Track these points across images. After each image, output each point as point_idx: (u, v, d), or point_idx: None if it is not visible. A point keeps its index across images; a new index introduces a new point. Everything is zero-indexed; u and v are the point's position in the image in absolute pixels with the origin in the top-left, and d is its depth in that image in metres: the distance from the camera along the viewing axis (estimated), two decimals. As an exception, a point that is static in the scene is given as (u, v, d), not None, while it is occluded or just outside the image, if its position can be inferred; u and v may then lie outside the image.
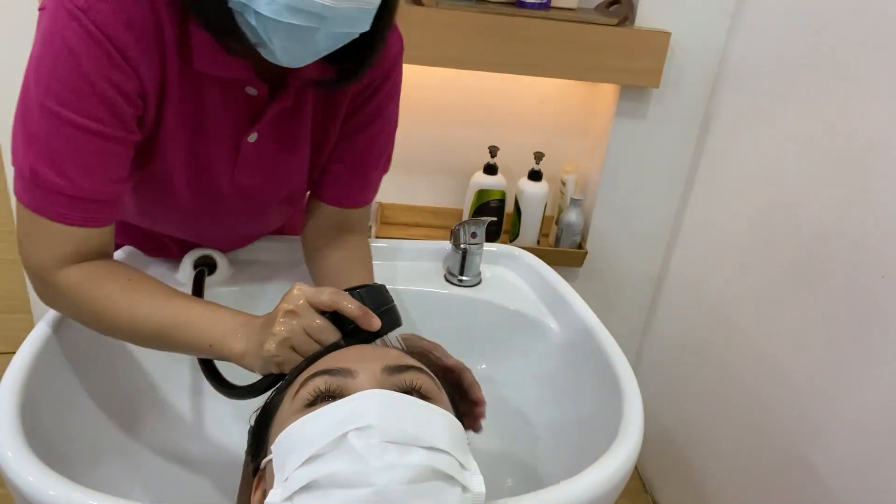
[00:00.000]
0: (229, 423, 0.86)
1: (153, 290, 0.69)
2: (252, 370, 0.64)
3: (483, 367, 0.91)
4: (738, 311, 1.31)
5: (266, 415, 0.58)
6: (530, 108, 1.56)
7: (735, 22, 1.37)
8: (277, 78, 0.70)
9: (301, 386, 0.54)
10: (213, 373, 0.72)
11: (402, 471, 0.44)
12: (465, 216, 1.57)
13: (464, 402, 0.69)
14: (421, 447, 0.46)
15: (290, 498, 0.45)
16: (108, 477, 0.71)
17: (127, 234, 0.91)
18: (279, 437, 0.50)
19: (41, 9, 0.63)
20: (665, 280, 1.62)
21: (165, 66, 0.65)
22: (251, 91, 0.70)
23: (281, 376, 0.63)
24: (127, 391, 0.81)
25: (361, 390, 0.50)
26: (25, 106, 0.63)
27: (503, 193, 1.54)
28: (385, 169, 0.88)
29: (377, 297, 0.65)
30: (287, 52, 0.62)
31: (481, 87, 1.52)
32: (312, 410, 0.50)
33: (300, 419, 0.49)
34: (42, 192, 0.63)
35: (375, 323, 0.63)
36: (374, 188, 0.88)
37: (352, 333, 0.63)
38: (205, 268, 0.88)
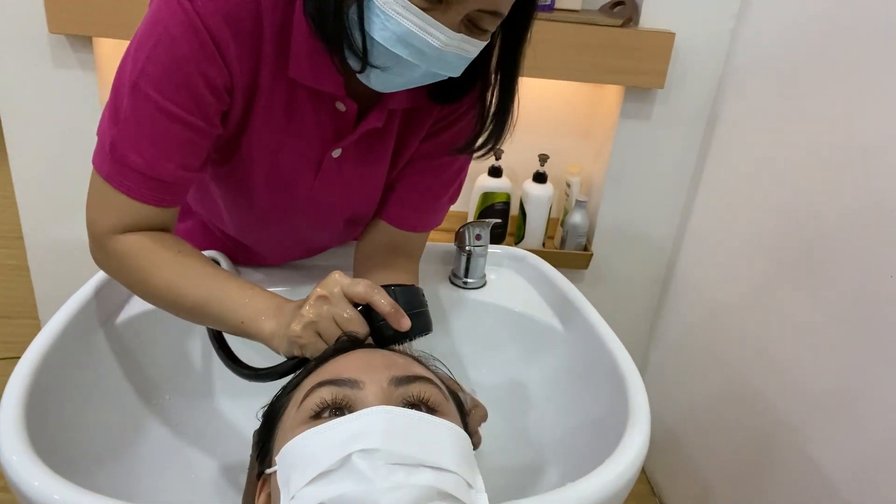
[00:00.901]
0: (234, 425, 0.86)
1: (199, 264, 0.71)
2: (278, 351, 0.65)
3: (490, 375, 0.91)
4: (745, 313, 1.30)
5: (271, 417, 0.58)
6: (535, 110, 1.55)
7: (739, 23, 1.37)
8: (367, 97, 0.71)
9: (307, 395, 0.53)
10: (228, 354, 0.72)
11: (408, 491, 0.44)
12: (470, 219, 1.57)
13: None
14: (427, 467, 0.46)
15: None
16: (114, 480, 0.71)
17: (190, 229, 0.93)
18: (283, 449, 0.50)
19: None
20: (671, 282, 1.62)
21: (259, 67, 0.67)
22: (340, 107, 0.72)
23: (300, 363, 0.63)
24: (132, 395, 0.81)
25: (368, 404, 0.50)
26: (119, 83, 0.66)
27: (508, 196, 1.54)
28: (453, 199, 0.88)
29: (412, 298, 0.65)
30: (381, 80, 0.65)
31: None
32: (318, 423, 0.50)
33: (305, 433, 0.49)
34: (117, 165, 0.66)
35: (405, 323, 0.62)
36: (439, 216, 0.88)
37: (380, 330, 0.63)
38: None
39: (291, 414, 0.54)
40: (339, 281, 0.63)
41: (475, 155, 0.77)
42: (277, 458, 0.50)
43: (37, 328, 1.56)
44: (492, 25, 0.63)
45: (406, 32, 0.60)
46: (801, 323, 1.13)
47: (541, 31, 1.31)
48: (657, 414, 0.68)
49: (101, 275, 0.81)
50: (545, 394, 0.87)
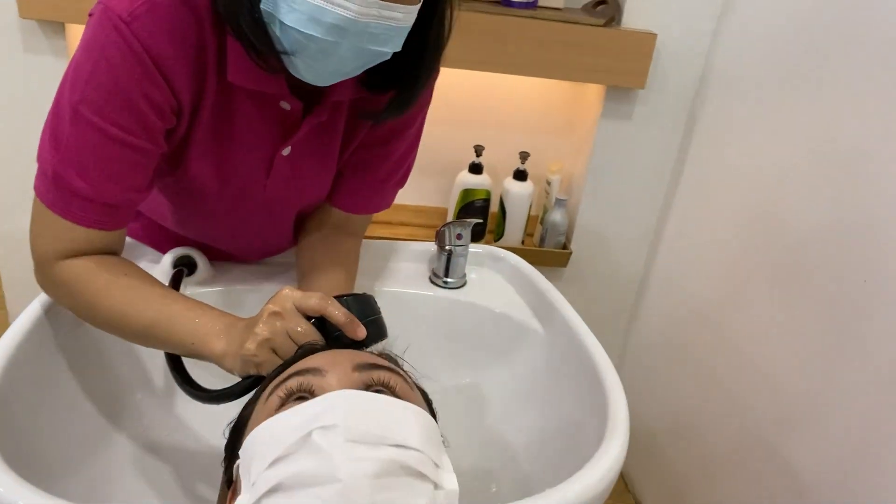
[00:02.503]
0: (209, 426, 0.85)
1: (145, 286, 0.69)
2: (231, 372, 0.64)
3: (468, 375, 0.90)
4: (721, 313, 1.32)
5: (240, 425, 0.57)
6: (516, 107, 1.55)
7: (720, 25, 1.37)
8: (312, 94, 0.70)
9: (272, 391, 0.53)
10: (184, 377, 0.71)
11: (369, 464, 0.43)
12: (450, 215, 1.57)
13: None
14: (389, 445, 0.45)
15: (257, 502, 0.44)
16: (85, 483, 0.70)
17: (153, 235, 0.91)
18: (248, 438, 0.49)
19: (90, 15, 0.63)
20: (648, 280, 1.63)
21: (204, 80, 0.65)
22: (285, 106, 0.70)
23: (257, 382, 0.62)
24: (102, 395, 0.79)
25: (331, 389, 0.50)
26: (58, 108, 0.64)
27: (488, 193, 1.53)
28: (401, 183, 0.87)
29: (364, 307, 0.65)
30: (310, 69, 0.62)
31: (467, 87, 1.51)
32: (280, 411, 0.49)
33: (267, 421, 0.48)
34: (61, 192, 0.64)
35: (361, 332, 0.62)
36: (387, 199, 0.88)
37: (336, 341, 0.62)
38: (184, 268, 0.86)
39: (259, 412, 0.54)
40: (290, 296, 0.63)
41: (382, 118, 0.73)
42: (241, 451, 0.50)
43: (4, 319, 1.53)
44: None
45: (314, 8, 0.56)
46: (776, 325, 1.14)
47: (523, 29, 1.32)
48: (632, 411, 0.69)
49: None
50: (524, 394, 0.87)
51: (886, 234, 0.92)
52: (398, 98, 0.71)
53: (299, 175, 0.78)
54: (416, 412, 0.50)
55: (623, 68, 1.37)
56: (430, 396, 0.61)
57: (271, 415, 0.50)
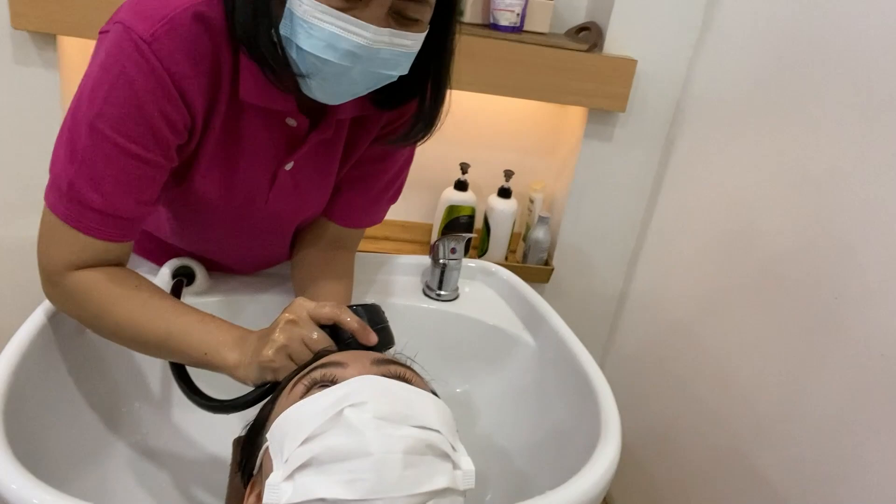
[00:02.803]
0: (206, 434, 0.86)
1: (156, 299, 0.70)
2: (245, 381, 0.65)
3: (461, 385, 0.92)
4: (698, 328, 1.36)
5: (260, 422, 0.58)
6: (501, 127, 1.59)
7: (697, 53, 1.44)
8: (317, 110, 0.72)
9: (296, 383, 0.55)
10: (192, 388, 0.72)
11: (398, 441, 0.46)
12: (435, 231, 1.59)
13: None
14: (414, 426, 0.48)
15: (290, 476, 0.46)
16: (85, 488, 0.70)
17: (148, 247, 0.91)
18: (275, 423, 0.51)
19: (103, 32, 0.65)
20: (627, 296, 1.67)
21: (217, 97, 0.67)
22: (291, 122, 0.72)
23: (270, 390, 0.64)
24: (102, 402, 0.80)
25: (353, 377, 0.52)
26: (74, 122, 0.64)
27: (473, 209, 1.57)
28: (394, 199, 0.90)
29: (374, 316, 0.68)
30: (323, 90, 0.65)
31: (454, 106, 1.54)
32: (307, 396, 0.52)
33: (297, 404, 0.50)
34: (74, 205, 0.65)
35: (373, 338, 0.65)
36: (380, 214, 0.91)
37: (348, 347, 0.65)
38: (183, 278, 0.87)
39: (282, 406, 0.55)
40: (304, 305, 0.66)
41: (409, 143, 0.77)
42: (268, 435, 0.51)
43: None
44: (420, 13, 0.62)
45: (330, 36, 0.60)
46: (752, 340, 1.19)
47: (509, 52, 1.36)
48: None
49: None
50: (516, 405, 0.90)
51: (855, 252, 0.97)
52: (422, 122, 0.74)
53: (300, 189, 0.80)
54: (433, 399, 0.53)
55: (605, 92, 1.42)
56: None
57: (296, 402, 0.52)
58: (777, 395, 1.11)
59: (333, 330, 0.65)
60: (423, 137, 0.76)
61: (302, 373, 0.57)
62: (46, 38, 1.29)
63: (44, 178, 1.40)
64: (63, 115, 1.32)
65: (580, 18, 1.52)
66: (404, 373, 0.57)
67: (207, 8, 0.63)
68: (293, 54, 0.63)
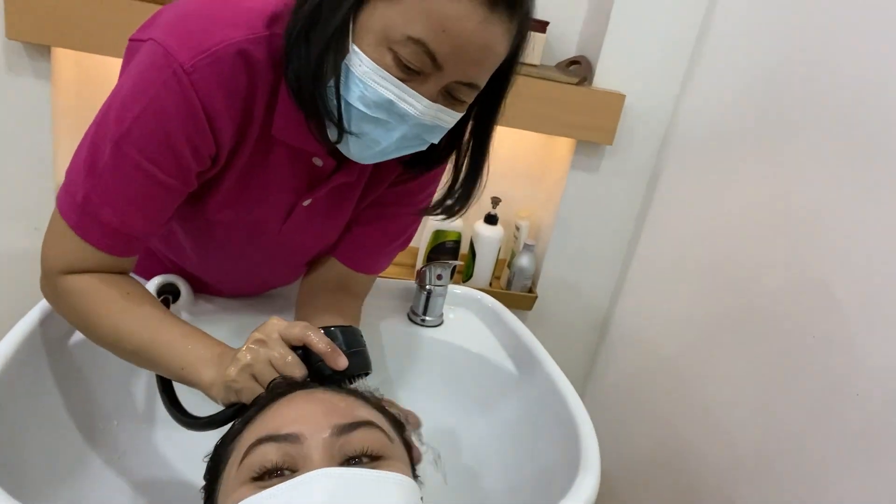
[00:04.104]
0: (184, 459, 0.85)
1: (145, 307, 0.70)
2: (215, 401, 0.65)
3: (442, 413, 0.92)
4: (678, 362, 1.37)
5: (214, 467, 0.57)
6: (491, 155, 1.61)
7: (683, 89, 1.47)
8: (343, 154, 0.73)
9: (247, 452, 0.52)
10: (172, 400, 0.71)
11: None
12: (421, 255, 1.60)
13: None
14: None
15: None
16: (65, 501, 0.69)
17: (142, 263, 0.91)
18: None
19: (135, 40, 0.65)
20: (609, 328, 1.68)
21: (246, 131, 0.68)
22: (318, 162, 0.74)
23: (240, 410, 0.62)
24: (80, 419, 0.79)
25: (309, 461, 0.49)
26: (98, 137, 0.64)
27: (459, 235, 1.58)
28: (404, 246, 0.91)
29: (349, 339, 0.66)
30: (358, 148, 0.66)
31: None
32: (258, 487, 0.49)
33: (245, 500, 0.48)
34: (87, 217, 0.66)
35: (342, 361, 0.63)
36: (388, 260, 0.90)
37: (319, 371, 0.63)
38: (169, 296, 0.87)
39: (233, 470, 0.53)
40: (276, 325, 0.64)
41: (440, 218, 0.80)
42: None
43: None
44: (468, 97, 0.65)
45: (384, 101, 0.62)
46: (732, 376, 1.20)
47: (502, 82, 1.37)
48: None
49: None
50: (497, 434, 0.90)
51: (833, 291, 0.99)
52: (459, 196, 0.77)
53: (314, 224, 0.81)
54: (396, 483, 0.50)
55: (593, 124, 1.44)
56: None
57: (246, 482, 0.50)
58: (755, 432, 1.12)
59: (306, 352, 0.63)
60: (459, 210, 0.78)
61: (254, 436, 0.53)
62: (40, 49, 1.29)
63: (32, 187, 1.40)
64: (53, 125, 1.33)
65: (571, 52, 1.55)
66: (367, 442, 0.52)
67: (252, 46, 0.63)
68: (342, 109, 0.63)
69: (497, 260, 1.61)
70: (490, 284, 1.63)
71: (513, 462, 0.86)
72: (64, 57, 1.34)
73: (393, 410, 0.65)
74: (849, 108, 1.00)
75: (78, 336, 0.81)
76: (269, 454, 0.51)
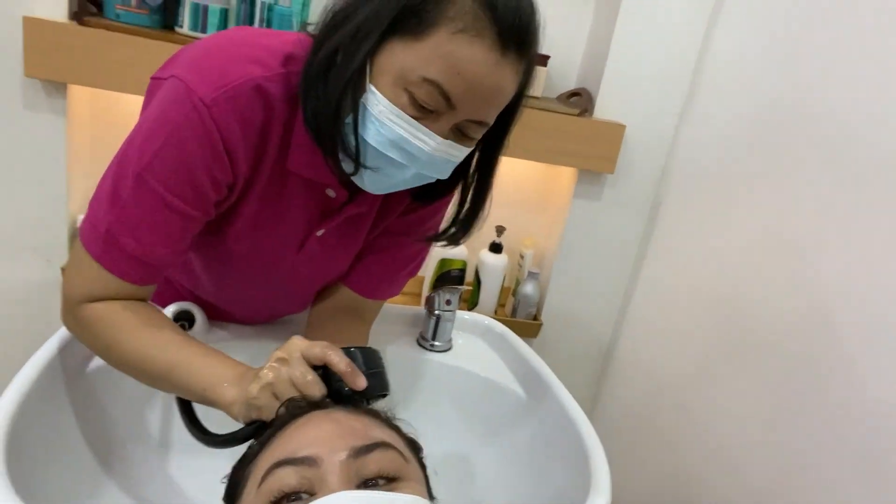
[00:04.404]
0: (198, 486, 0.85)
1: (166, 332, 0.72)
2: (237, 419, 0.66)
3: (453, 437, 0.92)
4: (683, 390, 1.38)
5: (232, 491, 0.58)
6: (495, 184, 1.63)
7: (682, 120, 1.51)
8: (356, 184, 0.75)
9: (265, 476, 0.53)
10: (192, 419, 0.73)
11: None
12: (427, 284, 1.62)
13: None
14: None
15: None
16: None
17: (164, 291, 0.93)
18: None
19: (157, 78, 0.68)
20: (614, 355, 1.69)
21: (261, 162, 0.71)
22: (331, 193, 0.76)
23: (260, 429, 0.63)
24: (98, 442, 0.80)
25: (326, 485, 0.50)
26: (120, 170, 0.67)
27: (464, 263, 1.60)
28: (413, 273, 0.93)
29: (369, 360, 0.67)
30: (372, 181, 0.69)
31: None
32: None
33: None
34: (110, 248, 0.68)
35: (361, 382, 0.64)
36: (397, 287, 0.93)
37: (338, 391, 0.64)
38: (185, 322, 0.89)
39: (252, 494, 0.53)
40: (297, 344, 0.66)
41: (442, 245, 0.83)
42: None
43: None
44: (478, 133, 0.69)
45: (399, 138, 0.64)
46: (737, 406, 1.20)
47: (505, 114, 1.41)
48: None
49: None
50: (507, 458, 0.91)
51: (835, 319, 1.01)
52: (461, 225, 0.81)
53: (327, 254, 0.83)
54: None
55: (594, 154, 1.48)
56: None
57: None
58: (761, 458, 1.12)
59: (326, 372, 0.64)
60: (462, 237, 0.81)
61: (272, 460, 0.54)
62: (57, 87, 1.33)
63: (46, 221, 1.42)
64: (68, 160, 1.36)
65: (572, 84, 1.59)
66: (383, 464, 0.53)
67: (269, 83, 0.67)
68: (359, 145, 0.66)
69: (502, 288, 1.63)
70: (495, 312, 1.65)
71: (524, 485, 0.87)
72: (79, 93, 1.38)
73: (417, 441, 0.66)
74: (848, 135, 1.03)
75: (95, 364, 0.82)
76: (287, 478, 0.51)
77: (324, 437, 0.54)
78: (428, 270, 1.61)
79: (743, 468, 1.16)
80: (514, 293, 1.65)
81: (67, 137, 1.36)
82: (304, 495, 0.51)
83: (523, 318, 1.62)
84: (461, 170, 0.77)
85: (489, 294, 1.61)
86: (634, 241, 1.62)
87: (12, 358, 0.79)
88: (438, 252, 1.59)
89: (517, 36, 0.63)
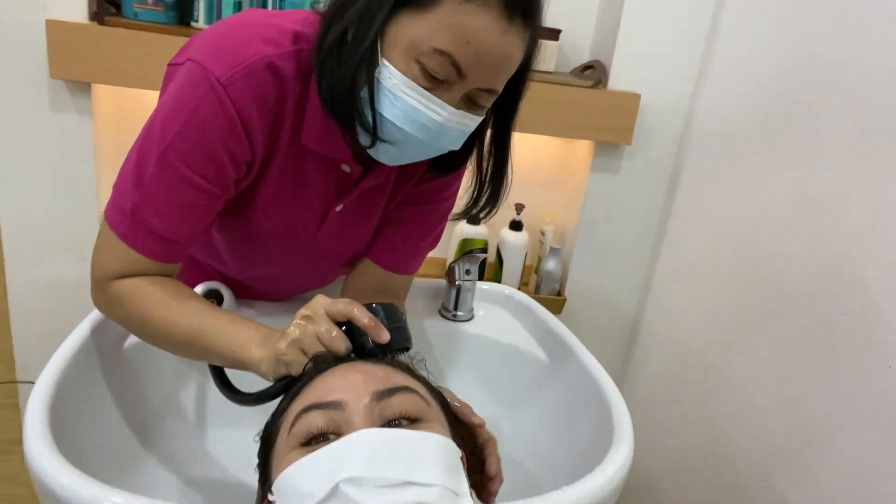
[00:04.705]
0: (234, 456, 0.88)
1: (192, 301, 0.74)
2: (265, 377, 0.68)
3: (475, 397, 0.94)
4: (713, 356, 1.37)
5: (266, 442, 0.61)
6: (512, 161, 1.64)
7: (699, 85, 1.50)
8: (370, 158, 0.77)
9: (295, 421, 0.56)
10: (222, 378, 0.76)
11: None
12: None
13: (478, 474, 0.69)
14: (412, 484, 0.49)
15: None
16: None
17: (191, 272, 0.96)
18: (278, 479, 0.53)
19: (173, 64, 0.71)
20: (640, 326, 1.69)
21: (277, 139, 0.73)
22: (346, 168, 0.79)
23: (288, 385, 0.66)
24: (136, 417, 0.83)
25: (352, 425, 0.53)
26: (143, 152, 0.70)
27: (485, 242, 1.61)
28: (433, 245, 0.95)
29: (390, 314, 0.69)
30: (388, 154, 0.71)
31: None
32: (306, 451, 0.53)
33: (294, 465, 0.52)
34: (136, 227, 0.70)
35: (385, 335, 0.66)
36: (419, 259, 0.94)
37: (362, 346, 0.66)
38: (213, 300, 0.92)
39: (283, 439, 0.57)
40: (321, 302, 0.68)
41: (475, 219, 0.84)
42: (274, 489, 0.54)
43: (9, 372, 1.55)
44: (488, 102, 0.70)
45: (412, 109, 0.66)
46: (767, 368, 1.20)
47: (519, 89, 1.42)
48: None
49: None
50: (534, 420, 0.92)
51: (858, 269, 1.00)
52: (487, 199, 0.83)
53: (346, 228, 0.85)
54: (434, 443, 0.53)
55: (610, 126, 1.48)
56: None
57: (295, 448, 0.54)
58: (793, 418, 1.12)
59: (350, 327, 0.67)
60: (490, 212, 0.84)
61: (300, 406, 0.57)
62: (81, 87, 1.37)
63: (78, 221, 1.47)
64: (96, 159, 1.40)
65: (584, 58, 1.59)
66: (406, 405, 0.56)
67: (281, 60, 0.69)
68: (374, 119, 0.68)
69: (524, 266, 1.64)
70: (518, 290, 1.65)
71: (550, 443, 0.88)
72: (103, 92, 1.42)
73: (454, 403, 0.68)
74: (864, 89, 1.02)
75: (130, 342, 0.85)
76: (315, 420, 0.55)
77: (348, 384, 0.58)
78: (449, 252, 1.63)
79: (776, 428, 1.16)
80: (537, 270, 1.65)
81: (94, 136, 1.40)
82: (331, 436, 0.54)
83: (547, 295, 1.63)
84: (474, 140, 0.78)
85: (511, 272, 1.62)
86: (655, 211, 1.61)
87: (49, 357, 0.80)
88: (459, 233, 1.60)
89: (523, 4, 0.64)
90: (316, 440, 0.54)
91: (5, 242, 1.45)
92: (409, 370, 0.64)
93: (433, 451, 0.53)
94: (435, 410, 0.59)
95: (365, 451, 0.50)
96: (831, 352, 1.04)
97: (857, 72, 1.03)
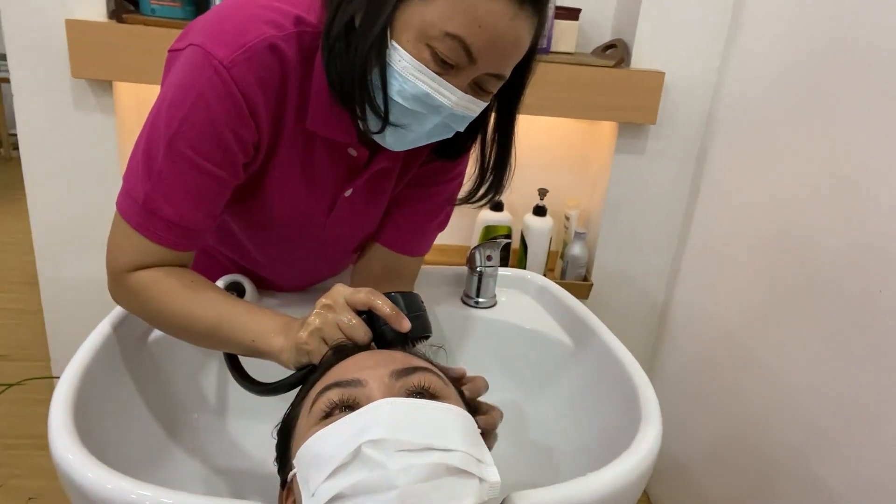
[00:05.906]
0: (260, 447, 0.88)
1: (209, 292, 0.75)
2: (286, 365, 0.68)
3: (502, 389, 0.93)
4: (745, 337, 1.34)
5: (286, 428, 0.61)
6: (534, 146, 1.62)
7: (725, 61, 1.45)
8: (376, 142, 0.77)
9: (315, 400, 0.57)
10: (238, 370, 0.76)
11: (421, 469, 0.48)
12: (473, 252, 1.62)
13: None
14: (434, 449, 0.49)
15: None
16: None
17: (205, 263, 0.96)
18: (299, 451, 0.53)
19: (174, 50, 0.71)
20: (670, 309, 1.66)
21: (282, 122, 0.73)
22: (352, 152, 0.78)
23: (308, 374, 0.66)
24: (162, 411, 0.84)
25: (373, 399, 0.53)
26: (150, 141, 0.70)
27: (509, 229, 1.59)
28: (441, 226, 0.94)
29: (410, 303, 0.69)
30: (394, 138, 0.71)
31: (486, 128, 1.59)
32: (328, 423, 0.53)
33: (317, 434, 0.52)
34: (149, 216, 0.71)
35: (405, 324, 0.66)
36: (428, 241, 0.94)
37: (382, 334, 0.66)
38: (234, 293, 0.92)
39: (303, 421, 0.57)
40: (341, 291, 0.68)
41: (477, 204, 0.84)
42: (295, 461, 0.54)
43: (46, 369, 1.58)
44: (494, 87, 0.69)
45: (422, 93, 0.66)
46: (801, 347, 1.17)
47: (538, 72, 1.39)
48: (661, 441, 0.71)
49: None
50: (559, 403, 0.90)
51: (892, 244, 0.96)
52: (490, 185, 0.82)
53: (357, 213, 0.85)
54: (455, 413, 0.54)
55: (634, 106, 1.44)
56: None
57: (317, 423, 0.54)
58: (833, 398, 1.09)
59: (370, 316, 0.67)
60: (494, 196, 0.83)
61: (321, 386, 0.57)
62: (103, 85, 1.38)
63: (102, 219, 1.48)
64: (120, 157, 1.42)
65: (606, 37, 1.56)
66: (425, 381, 0.57)
67: (283, 42, 0.68)
68: (381, 102, 0.68)
69: (549, 251, 1.62)
70: (544, 276, 1.63)
71: (576, 426, 0.87)
72: (124, 89, 1.43)
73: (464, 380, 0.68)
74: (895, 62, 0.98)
75: (153, 336, 0.86)
76: (334, 396, 0.55)
77: (368, 364, 0.59)
78: (473, 239, 1.62)
79: (813, 408, 1.13)
80: (562, 256, 1.63)
81: (118, 134, 1.42)
82: (352, 408, 0.54)
83: (573, 280, 1.61)
84: (478, 126, 0.78)
85: (536, 258, 1.61)
86: (682, 191, 1.58)
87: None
88: (483, 219, 1.59)
89: None
90: (338, 409, 0.55)
91: (35, 242, 1.48)
92: (426, 359, 0.64)
93: (454, 420, 0.53)
94: (452, 392, 0.60)
95: (386, 417, 0.50)
96: (869, 329, 1.01)
97: (889, 45, 0.99)
